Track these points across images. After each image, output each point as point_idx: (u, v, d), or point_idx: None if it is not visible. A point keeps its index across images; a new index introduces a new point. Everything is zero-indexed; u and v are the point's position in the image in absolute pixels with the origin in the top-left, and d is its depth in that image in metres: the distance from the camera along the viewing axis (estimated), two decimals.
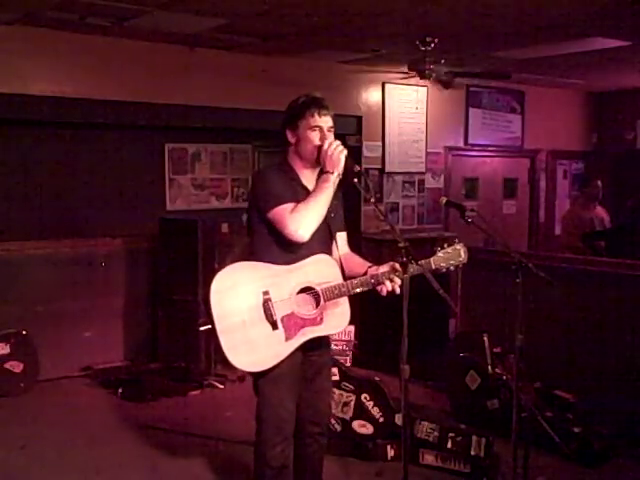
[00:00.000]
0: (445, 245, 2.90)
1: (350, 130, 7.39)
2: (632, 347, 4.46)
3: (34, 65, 5.52)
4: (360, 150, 7.41)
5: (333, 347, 4.48)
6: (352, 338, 5.59)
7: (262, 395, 2.93)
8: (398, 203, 7.82)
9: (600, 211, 6.84)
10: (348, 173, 2.83)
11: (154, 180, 7.23)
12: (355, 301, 2.97)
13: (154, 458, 4.21)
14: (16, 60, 5.41)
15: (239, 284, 2.80)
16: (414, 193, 7.96)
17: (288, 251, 2.86)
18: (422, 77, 6.39)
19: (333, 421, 4.09)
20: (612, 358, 4.55)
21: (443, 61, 6.21)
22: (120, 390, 5.35)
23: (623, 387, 4.44)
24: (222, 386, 5.52)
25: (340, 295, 2.85)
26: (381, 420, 4.14)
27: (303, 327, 2.83)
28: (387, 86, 7.57)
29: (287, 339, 2.81)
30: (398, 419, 4.07)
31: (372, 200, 2.93)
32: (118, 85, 5.89)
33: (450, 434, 3.99)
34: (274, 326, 2.79)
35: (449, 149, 8.26)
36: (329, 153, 2.82)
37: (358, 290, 2.85)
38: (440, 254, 2.88)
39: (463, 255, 2.91)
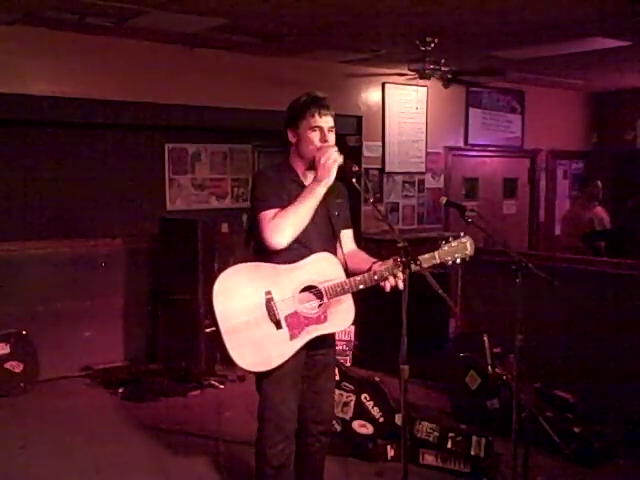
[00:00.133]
0: (450, 238, 2.88)
1: (350, 130, 7.40)
2: (632, 347, 4.46)
3: (34, 65, 5.52)
4: (360, 150, 7.41)
5: None
6: (352, 338, 5.60)
7: (265, 394, 2.94)
8: (398, 203, 7.83)
9: (600, 211, 6.84)
10: (347, 173, 2.83)
11: (154, 180, 7.23)
12: (355, 301, 2.97)
13: (154, 458, 4.21)
14: (16, 60, 5.41)
15: (241, 285, 2.80)
16: (414, 193, 7.96)
17: (290, 251, 2.85)
18: (422, 77, 6.40)
19: (333, 421, 4.09)
20: (612, 358, 4.54)
21: (443, 61, 6.21)
22: (120, 390, 5.35)
23: (623, 387, 4.44)
24: (222, 386, 5.52)
25: (343, 292, 2.85)
26: (381, 420, 4.14)
27: (307, 326, 2.83)
28: (387, 86, 7.57)
29: (292, 338, 2.81)
30: (398, 419, 4.06)
31: (371, 200, 2.93)
32: (118, 85, 5.89)
33: (450, 434, 3.99)
34: (278, 325, 2.79)
35: (449, 149, 8.27)
36: (322, 162, 2.80)
37: (361, 287, 2.84)
38: (445, 247, 2.86)
39: (469, 248, 2.89)
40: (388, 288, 2.80)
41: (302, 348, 2.85)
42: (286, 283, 2.82)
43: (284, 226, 2.78)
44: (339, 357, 4.67)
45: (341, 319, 2.92)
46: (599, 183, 6.79)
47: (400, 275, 2.75)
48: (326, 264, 2.89)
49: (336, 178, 2.97)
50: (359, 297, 2.94)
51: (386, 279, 2.80)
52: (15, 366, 5.38)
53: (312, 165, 2.94)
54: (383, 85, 7.56)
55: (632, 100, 9.07)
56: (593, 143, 9.64)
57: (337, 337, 4.82)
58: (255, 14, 5.07)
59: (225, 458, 4.12)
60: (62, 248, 5.96)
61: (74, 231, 6.39)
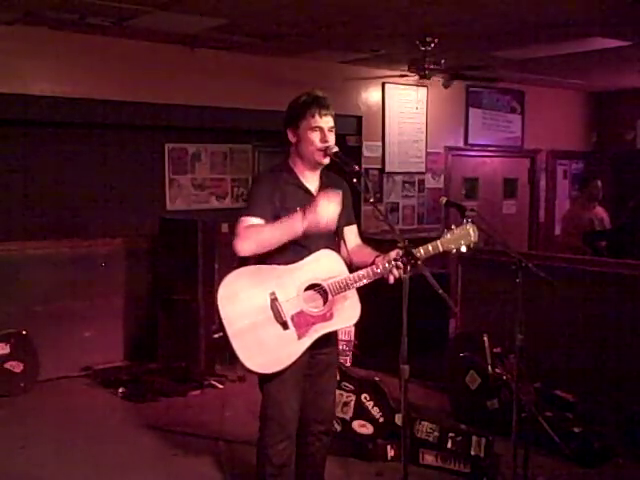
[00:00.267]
0: (453, 226, 2.87)
1: (350, 130, 7.40)
2: (632, 347, 4.46)
3: (34, 65, 5.52)
4: (360, 150, 7.41)
5: None
6: (352, 338, 5.59)
7: (267, 393, 2.94)
8: (398, 203, 7.83)
9: (600, 211, 6.83)
10: (347, 173, 2.83)
11: (154, 180, 7.23)
12: None
13: (154, 458, 4.21)
14: (16, 60, 5.42)
15: (245, 288, 2.81)
16: (414, 193, 7.96)
17: (292, 251, 2.86)
18: (422, 77, 6.40)
19: (334, 421, 4.09)
20: (612, 358, 4.54)
21: (443, 61, 6.22)
22: (120, 390, 5.35)
23: (623, 387, 4.44)
24: (222, 386, 5.52)
25: (347, 288, 2.85)
26: (381, 420, 4.14)
27: (314, 324, 2.83)
28: (387, 86, 7.57)
29: (299, 337, 2.82)
30: (398, 419, 4.06)
31: (371, 200, 2.93)
32: (118, 85, 5.89)
33: (450, 434, 3.99)
34: (284, 326, 2.80)
35: (449, 149, 8.27)
36: (319, 209, 2.73)
37: (365, 281, 2.84)
38: (448, 235, 2.85)
39: (473, 234, 2.85)
40: (392, 280, 2.79)
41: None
42: (289, 283, 2.82)
43: (251, 240, 2.80)
44: (339, 357, 4.66)
45: (347, 315, 2.92)
46: (599, 183, 6.78)
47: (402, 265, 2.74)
48: (328, 261, 2.89)
49: (335, 171, 2.98)
50: (359, 297, 2.93)
51: (389, 272, 2.79)
52: (15, 366, 5.38)
53: (312, 165, 2.95)
54: (383, 85, 7.56)
55: (632, 100, 9.07)
56: (593, 143, 9.64)
57: (337, 337, 4.85)
58: (255, 14, 5.07)
59: (226, 458, 4.12)
60: (62, 248, 5.95)
61: (74, 231, 6.39)
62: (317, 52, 6.50)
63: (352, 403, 4.18)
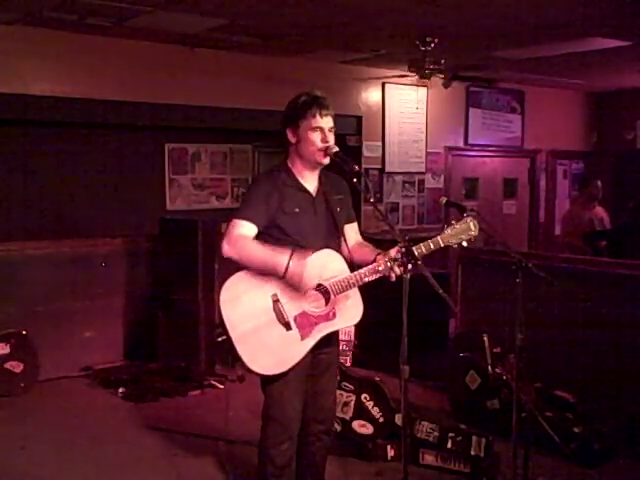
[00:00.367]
0: (453, 221, 2.87)
1: (350, 130, 7.40)
2: (632, 347, 4.46)
3: (34, 65, 5.53)
4: (360, 150, 7.41)
5: None
6: (352, 338, 5.59)
7: (270, 394, 2.94)
8: (398, 203, 7.83)
9: (600, 211, 6.83)
10: (347, 173, 2.83)
11: (154, 180, 7.23)
12: None
13: (154, 458, 4.21)
14: (16, 60, 5.42)
15: (246, 291, 2.81)
16: (414, 193, 7.96)
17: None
18: (422, 77, 6.39)
19: (334, 420, 4.09)
20: (612, 358, 4.54)
21: (443, 61, 6.22)
22: (120, 390, 5.35)
23: (623, 387, 4.44)
24: (222, 386, 5.52)
25: (349, 287, 2.85)
26: (381, 420, 4.14)
27: (317, 324, 2.84)
28: (387, 86, 7.57)
29: (303, 338, 2.82)
30: (398, 419, 4.06)
31: (371, 200, 2.93)
32: (118, 85, 5.90)
33: (450, 434, 3.99)
34: (287, 327, 2.80)
35: (449, 149, 8.27)
36: (297, 279, 2.73)
37: (367, 279, 2.84)
38: (448, 231, 2.85)
39: (473, 228, 2.85)
40: (393, 278, 2.78)
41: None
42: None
43: (236, 250, 2.79)
44: (339, 357, 4.66)
45: (350, 314, 2.92)
46: (599, 183, 6.78)
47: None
48: (329, 260, 2.89)
49: (335, 171, 2.98)
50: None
51: (391, 269, 2.79)
52: (15, 366, 5.38)
53: (312, 165, 2.94)
54: (383, 85, 7.56)
55: (632, 100, 9.08)
56: (593, 143, 9.64)
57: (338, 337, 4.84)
58: (255, 14, 5.07)
59: (226, 458, 4.12)
60: (62, 248, 5.95)
61: (74, 231, 6.40)
62: (317, 52, 6.50)
63: (352, 403, 4.18)
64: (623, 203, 7.19)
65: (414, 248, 2.65)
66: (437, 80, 6.69)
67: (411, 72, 6.48)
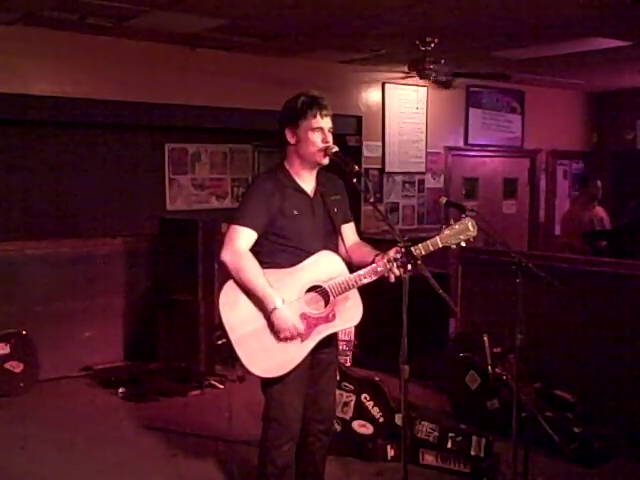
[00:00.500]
0: (452, 222, 2.87)
1: (350, 130, 7.40)
2: (632, 347, 4.45)
3: (34, 65, 5.53)
4: (360, 150, 7.41)
5: None
6: (352, 338, 5.58)
7: (270, 395, 2.94)
8: (398, 203, 7.83)
9: (600, 211, 6.84)
10: (347, 173, 2.83)
11: (154, 180, 7.23)
12: None
13: (154, 458, 4.21)
14: (16, 60, 5.42)
15: (245, 294, 2.81)
16: (414, 193, 7.96)
17: (291, 253, 2.86)
18: (422, 77, 6.40)
19: (334, 420, 4.09)
20: (612, 358, 4.54)
21: (443, 61, 6.22)
22: (120, 390, 5.35)
23: (623, 387, 4.44)
24: (222, 386, 5.52)
25: (348, 289, 2.85)
26: (381, 420, 4.14)
27: (317, 326, 2.84)
28: (387, 86, 7.57)
29: (302, 340, 2.82)
30: (398, 419, 4.06)
31: (371, 200, 2.92)
32: (118, 85, 5.89)
33: (450, 434, 3.99)
34: None
35: (449, 149, 8.27)
36: (285, 332, 2.76)
37: (366, 281, 2.84)
38: (447, 231, 2.84)
39: (472, 228, 2.85)
40: (392, 279, 2.79)
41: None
42: (290, 286, 2.82)
43: (234, 264, 2.79)
44: (339, 357, 4.66)
45: (350, 315, 2.92)
46: (599, 183, 6.79)
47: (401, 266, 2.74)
48: (328, 262, 2.89)
49: (335, 172, 2.98)
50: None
51: (390, 270, 2.79)
52: (15, 366, 5.38)
53: (310, 165, 2.93)
54: (383, 85, 7.56)
55: (632, 100, 9.07)
56: (593, 143, 9.63)
57: (337, 337, 4.84)
58: (255, 14, 5.07)
59: (226, 458, 4.12)
60: (62, 248, 5.95)
61: (74, 231, 6.40)
62: (317, 52, 6.50)
63: (352, 403, 4.18)
64: (623, 203, 7.20)
65: (412, 249, 2.65)
66: (437, 80, 6.70)
67: (411, 72, 6.48)
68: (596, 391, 4.49)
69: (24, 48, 5.44)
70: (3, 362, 5.33)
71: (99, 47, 5.76)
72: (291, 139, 2.92)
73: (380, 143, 7.60)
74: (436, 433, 4.02)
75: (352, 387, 4.20)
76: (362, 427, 4.16)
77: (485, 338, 4.62)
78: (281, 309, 2.74)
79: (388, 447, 4.09)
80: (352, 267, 2.92)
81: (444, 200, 3.54)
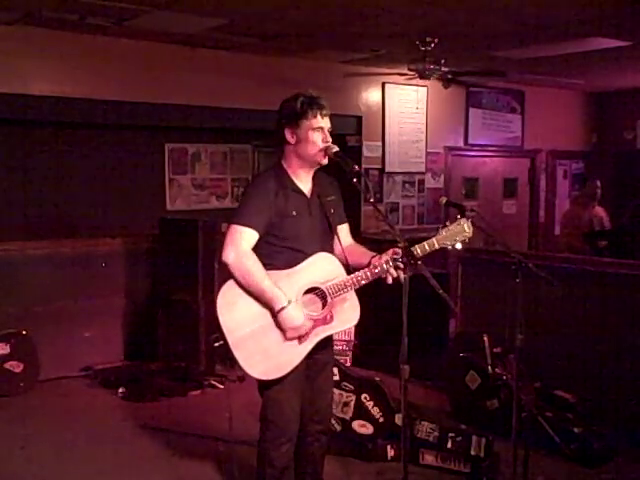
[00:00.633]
0: (447, 223, 2.88)
1: (350, 130, 7.40)
2: (632, 347, 4.46)
3: (34, 65, 5.53)
4: (360, 150, 7.41)
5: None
6: (352, 338, 5.60)
7: (268, 397, 2.93)
8: (398, 203, 7.83)
9: (599, 211, 6.84)
10: (347, 173, 2.82)
11: (154, 180, 7.23)
12: None
13: (154, 458, 4.21)
14: (16, 60, 5.42)
15: (243, 296, 2.80)
16: (414, 193, 7.96)
17: (289, 254, 2.86)
18: (422, 77, 6.40)
19: (333, 421, 4.09)
20: (612, 358, 4.54)
21: (443, 61, 6.22)
22: (120, 390, 5.35)
23: (623, 387, 4.44)
24: (222, 386, 5.52)
25: (346, 290, 2.84)
26: (381, 420, 4.14)
27: (315, 327, 2.83)
28: (387, 86, 7.57)
29: (300, 342, 2.82)
30: (398, 419, 4.06)
31: (371, 200, 2.92)
32: (118, 85, 5.89)
33: (450, 434, 3.99)
34: (284, 331, 2.79)
35: (449, 149, 8.27)
36: (293, 334, 2.77)
37: (363, 282, 2.84)
38: (443, 232, 2.85)
39: (468, 230, 2.86)
40: (390, 280, 2.79)
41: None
42: (288, 288, 2.81)
43: (238, 267, 2.77)
44: (339, 357, 4.67)
45: (347, 317, 2.91)
46: (599, 183, 6.79)
47: (402, 266, 2.74)
48: (326, 264, 2.89)
49: (335, 172, 2.97)
50: (359, 297, 2.93)
51: (387, 272, 2.79)
52: (15, 366, 5.38)
53: (309, 165, 2.93)
54: (383, 85, 7.56)
55: (632, 100, 9.08)
56: (593, 143, 9.64)
57: (337, 337, 4.86)
58: (255, 14, 5.07)
59: (226, 458, 4.12)
60: (62, 248, 5.94)
61: (74, 231, 6.39)
62: (317, 52, 6.50)
63: (352, 403, 4.18)
64: (623, 203, 7.20)
65: (411, 249, 2.65)
66: (437, 80, 6.70)
67: (411, 72, 6.48)
68: (596, 391, 4.49)
69: (24, 48, 5.44)
70: (3, 362, 5.33)
71: (99, 47, 5.76)
72: (291, 139, 2.90)
73: (380, 143, 7.60)
74: (436, 433, 4.02)
75: (352, 387, 4.20)
76: (362, 427, 4.16)
77: (485, 338, 4.62)
78: (290, 308, 2.74)
79: (388, 447, 4.09)
80: (348, 268, 2.92)
81: (444, 200, 3.54)
